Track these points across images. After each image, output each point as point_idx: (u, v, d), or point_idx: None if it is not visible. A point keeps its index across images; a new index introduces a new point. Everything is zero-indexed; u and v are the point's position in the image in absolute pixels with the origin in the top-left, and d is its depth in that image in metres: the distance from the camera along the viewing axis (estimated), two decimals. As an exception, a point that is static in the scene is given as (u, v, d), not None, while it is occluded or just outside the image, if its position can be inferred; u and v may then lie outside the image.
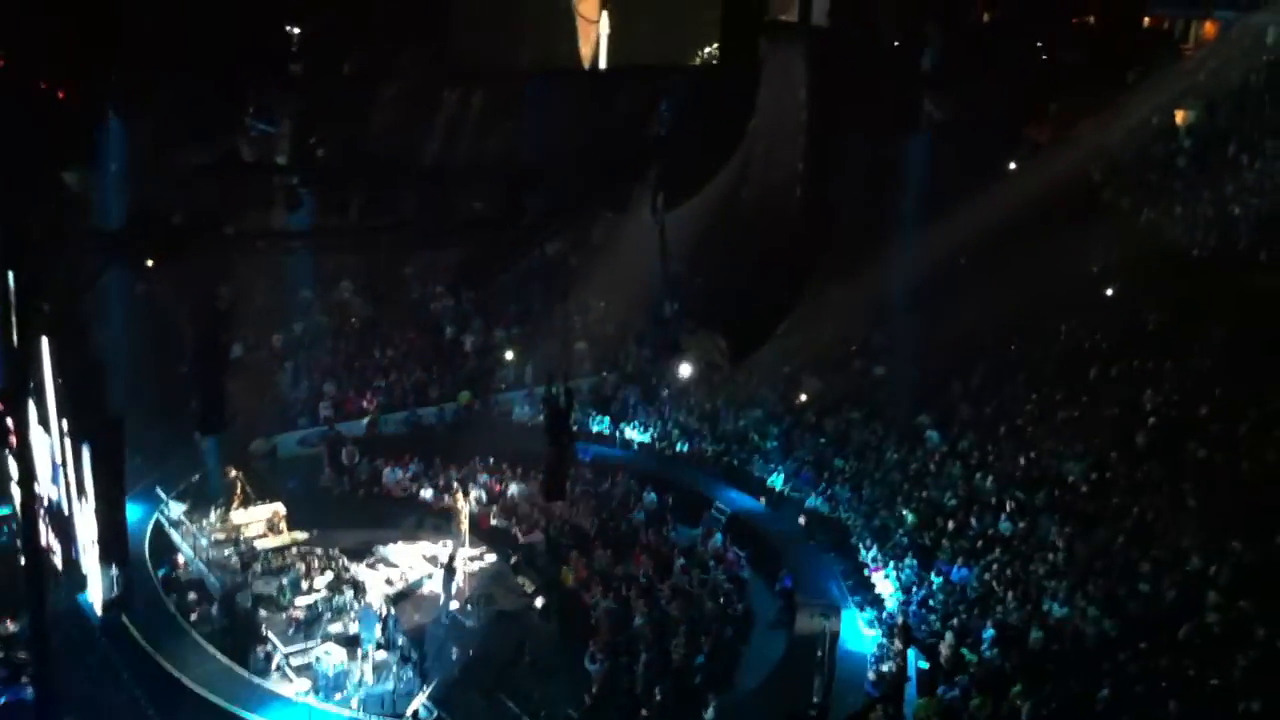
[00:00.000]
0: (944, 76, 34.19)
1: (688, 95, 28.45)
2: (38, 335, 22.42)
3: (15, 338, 21.97)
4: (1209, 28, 40.44)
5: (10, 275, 21.61)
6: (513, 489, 31.64)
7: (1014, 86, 37.58)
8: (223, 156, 25.93)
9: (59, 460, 23.32)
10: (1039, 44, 40.08)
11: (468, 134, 37.16)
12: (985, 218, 33.56)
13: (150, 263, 27.06)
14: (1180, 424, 28.34)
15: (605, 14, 22.98)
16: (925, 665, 23.95)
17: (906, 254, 34.54)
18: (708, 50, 24.19)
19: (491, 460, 32.88)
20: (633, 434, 35.36)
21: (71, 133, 22.40)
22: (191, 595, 26.15)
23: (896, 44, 34.39)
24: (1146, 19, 41.40)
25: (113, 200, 27.33)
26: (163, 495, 28.96)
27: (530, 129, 38.73)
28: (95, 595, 23.37)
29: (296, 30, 26.96)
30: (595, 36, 23.70)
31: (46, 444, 23.42)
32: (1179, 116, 37.49)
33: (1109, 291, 34.43)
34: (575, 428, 27.94)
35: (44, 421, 23.36)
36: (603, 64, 24.14)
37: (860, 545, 28.90)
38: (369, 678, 23.96)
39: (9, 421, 22.19)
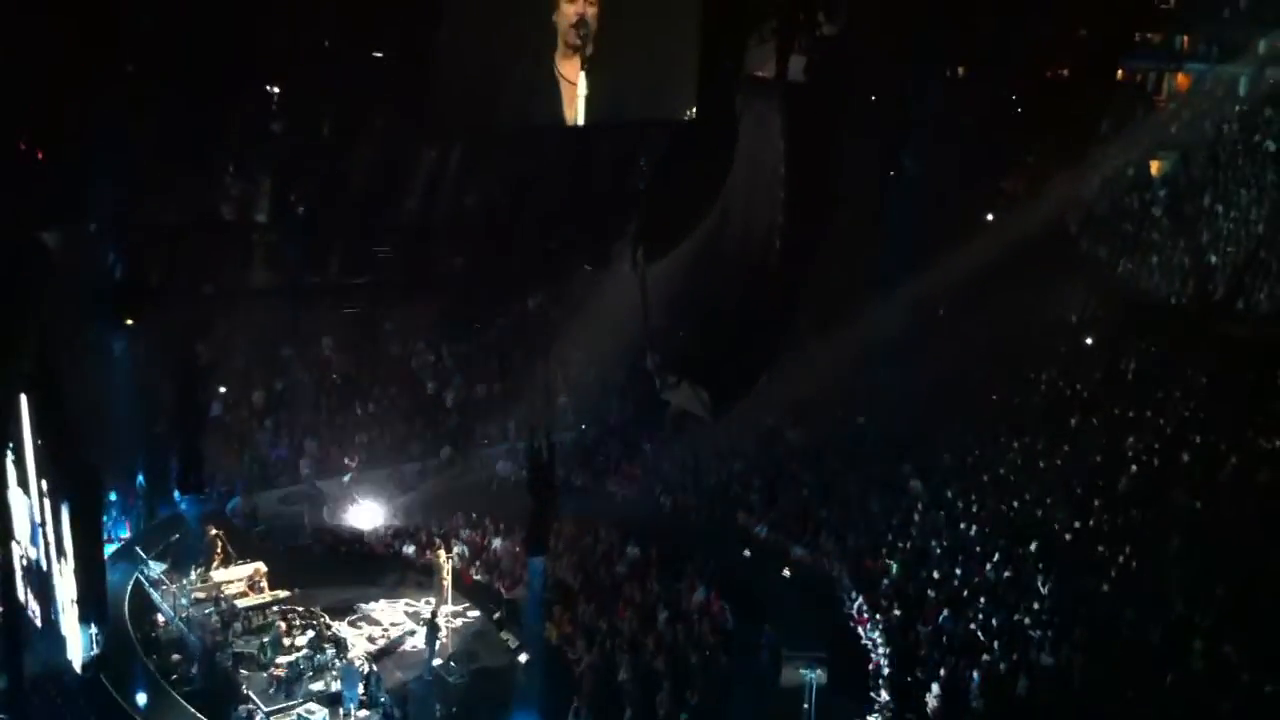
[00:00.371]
0: (920, 129, 34.58)
1: (666, 150, 28.71)
2: (16, 395, 22.34)
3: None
4: (1181, 80, 40.99)
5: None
6: (495, 544, 31.48)
7: (989, 139, 38.03)
8: (202, 215, 26.02)
9: (38, 520, 23.18)
10: (1013, 97, 40.58)
11: (447, 190, 37.41)
12: (963, 268, 33.82)
13: (129, 321, 27.06)
14: (1161, 470, 28.46)
15: (583, 74, 23.08)
16: (912, 717, 23.80)
17: (886, 304, 34.73)
18: (689, 113, 24.34)
19: (474, 515, 32.73)
20: (615, 487, 35.25)
21: (50, 192, 22.43)
22: (173, 655, 25.90)
23: (873, 98, 34.80)
24: (1120, 72, 41.96)
25: (92, 259, 27.32)
26: (142, 554, 28.73)
27: (510, 186, 39.07)
28: (74, 655, 23.17)
29: (276, 90, 27.13)
30: (575, 97, 23.89)
31: (26, 504, 23.28)
32: (1154, 167, 37.93)
33: (1088, 340, 34.67)
34: (557, 481, 27.82)
35: (23, 483, 23.24)
36: (581, 122, 24.33)
37: (845, 596, 28.82)
38: (351, 737, 23.74)
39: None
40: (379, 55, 26.32)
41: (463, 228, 36.98)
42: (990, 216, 38.38)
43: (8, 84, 20.66)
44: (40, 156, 22.20)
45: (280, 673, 25.00)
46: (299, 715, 23.87)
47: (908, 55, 33.89)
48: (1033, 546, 27.53)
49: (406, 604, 29.07)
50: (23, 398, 22.29)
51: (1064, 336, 35.05)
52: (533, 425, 25.93)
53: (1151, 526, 26.77)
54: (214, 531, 28.65)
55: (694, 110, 23.51)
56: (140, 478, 31.37)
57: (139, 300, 25.09)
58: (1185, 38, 40.67)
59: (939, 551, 28.66)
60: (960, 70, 40.51)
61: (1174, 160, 37.59)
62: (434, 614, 27.26)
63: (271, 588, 27.86)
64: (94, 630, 23.07)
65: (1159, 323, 33.18)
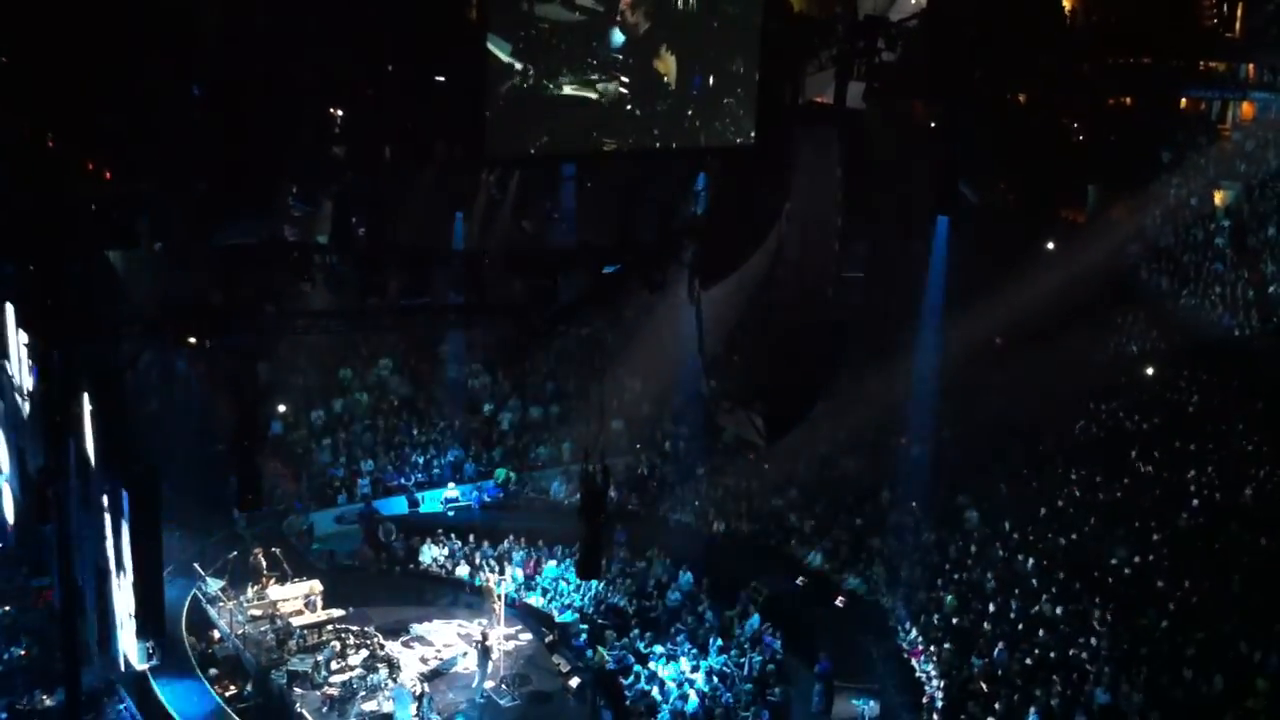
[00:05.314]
0: (979, 159, 34.33)
1: (723, 177, 28.73)
2: (80, 413, 22.71)
3: (58, 415, 22.28)
4: (1246, 109, 40.50)
5: (55, 354, 21.97)
6: (548, 567, 31.52)
7: (1050, 169, 37.71)
8: (264, 237, 26.28)
9: (100, 535, 23.51)
10: (1075, 126, 40.24)
11: (504, 217, 37.66)
12: (1022, 299, 33.54)
13: (191, 340, 27.42)
14: (1224, 507, 28.00)
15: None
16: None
17: (943, 335, 34.46)
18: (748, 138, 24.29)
19: (527, 538, 32.78)
20: (668, 512, 35.18)
21: (116, 213, 22.79)
22: (227, 671, 26.13)
23: (931, 126, 34.64)
24: (1183, 100, 41.50)
25: (154, 280, 27.69)
26: (200, 571, 29.00)
27: (566, 212, 39.22)
28: (132, 661, 23.48)
29: (339, 113, 27.42)
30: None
31: (88, 520, 23.63)
32: (1217, 198, 37.46)
33: (1149, 372, 34.22)
34: (611, 506, 27.84)
35: (86, 499, 23.61)
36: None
37: (899, 628, 28.56)
38: (402, 757, 23.83)
39: (50, 496, 22.42)
40: (441, 80, 26.55)
41: (519, 254, 37.15)
42: (1050, 246, 38.04)
43: (75, 108, 21.05)
44: (108, 178, 22.62)
45: (333, 692, 25.17)
46: (350, 735, 24.04)
47: (966, 85, 33.68)
48: (1091, 581, 27.09)
49: (459, 625, 29.19)
50: (87, 415, 22.70)
51: (1124, 368, 34.60)
52: (587, 449, 25.97)
53: (1213, 562, 26.34)
54: (258, 551, 28.84)
55: (753, 136, 23.49)
56: (199, 495, 31.71)
57: (200, 322, 25.33)
58: (1250, 66, 40.19)
59: (994, 584, 28.33)
60: (1020, 98, 40.21)
61: (1238, 191, 37.11)
62: (486, 636, 27.34)
63: (326, 607, 28.05)
64: (151, 645, 23.34)
65: (1221, 355, 32.70)
